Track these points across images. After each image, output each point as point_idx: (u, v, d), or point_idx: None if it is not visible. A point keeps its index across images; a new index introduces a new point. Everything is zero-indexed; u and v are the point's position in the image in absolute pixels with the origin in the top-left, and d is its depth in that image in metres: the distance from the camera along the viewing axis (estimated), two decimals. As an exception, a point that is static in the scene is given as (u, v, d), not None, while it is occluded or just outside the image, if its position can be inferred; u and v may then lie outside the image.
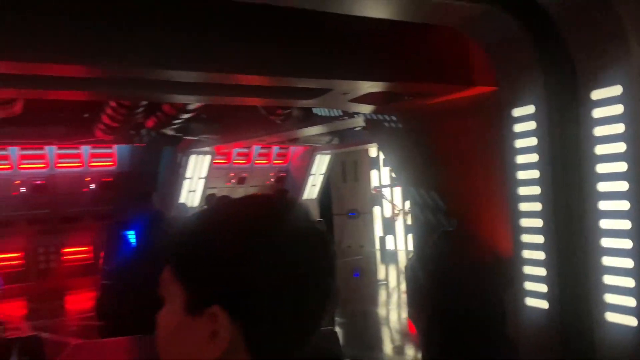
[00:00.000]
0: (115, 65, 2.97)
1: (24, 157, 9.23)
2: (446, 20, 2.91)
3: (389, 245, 14.11)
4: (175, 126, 7.78)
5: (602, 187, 2.55)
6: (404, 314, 7.86)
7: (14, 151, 9.10)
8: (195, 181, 10.57)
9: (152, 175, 10.08)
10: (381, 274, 12.56)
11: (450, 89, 4.42)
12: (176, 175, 10.20)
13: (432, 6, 2.65)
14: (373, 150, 13.78)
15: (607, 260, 2.54)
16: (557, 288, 2.78)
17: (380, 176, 14.34)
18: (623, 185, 2.48)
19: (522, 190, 2.92)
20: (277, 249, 0.77)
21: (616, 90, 2.49)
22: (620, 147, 2.49)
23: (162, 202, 9.86)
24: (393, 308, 9.00)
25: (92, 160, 9.80)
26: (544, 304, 2.88)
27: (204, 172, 10.61)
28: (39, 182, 9.41)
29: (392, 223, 14.12)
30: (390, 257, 13.40)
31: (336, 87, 4.44)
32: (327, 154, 12.71)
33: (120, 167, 10.11)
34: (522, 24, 2.73)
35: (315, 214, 12.93)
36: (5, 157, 9.10)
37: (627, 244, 2.47)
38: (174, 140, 9.31)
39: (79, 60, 2.81)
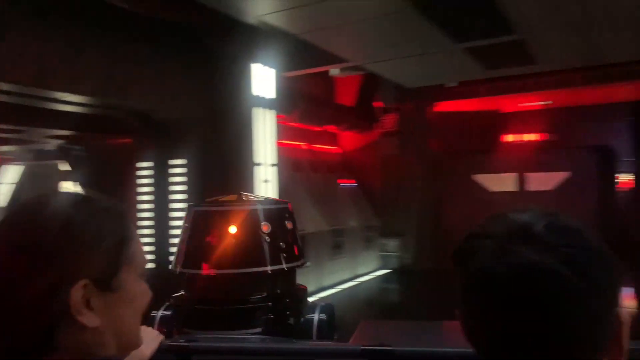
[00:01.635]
0: None
1: None
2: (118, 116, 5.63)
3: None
4: None
5: (173, 205, 5.68)
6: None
7: None
8: None
9: None
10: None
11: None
12: None
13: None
14: (65, 165, 15.06)
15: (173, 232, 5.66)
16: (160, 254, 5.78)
17: (70, 188, 15.72)
18: (183, 202, 5.64)
19: (140, 206, 5.87)
20: None
21: (183, 161, 5.66)
22: (184, 187, 5.66)
23: None
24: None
25: None
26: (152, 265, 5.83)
27: None
28: None
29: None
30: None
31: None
32: (19, 164, 13.57)
33: None
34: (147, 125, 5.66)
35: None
36: None
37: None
38: None
39: None
